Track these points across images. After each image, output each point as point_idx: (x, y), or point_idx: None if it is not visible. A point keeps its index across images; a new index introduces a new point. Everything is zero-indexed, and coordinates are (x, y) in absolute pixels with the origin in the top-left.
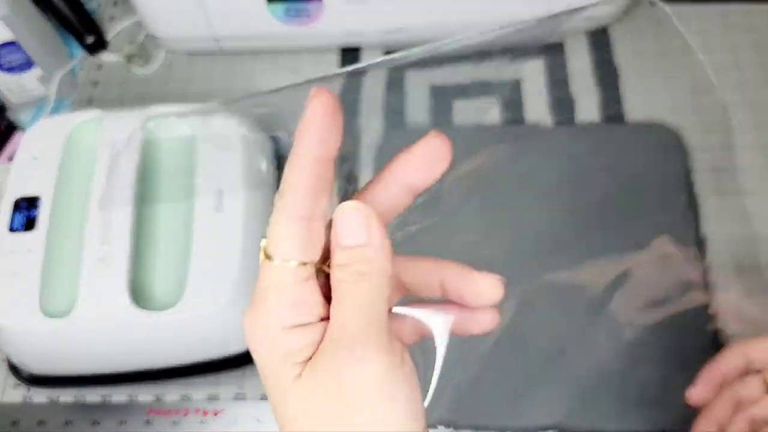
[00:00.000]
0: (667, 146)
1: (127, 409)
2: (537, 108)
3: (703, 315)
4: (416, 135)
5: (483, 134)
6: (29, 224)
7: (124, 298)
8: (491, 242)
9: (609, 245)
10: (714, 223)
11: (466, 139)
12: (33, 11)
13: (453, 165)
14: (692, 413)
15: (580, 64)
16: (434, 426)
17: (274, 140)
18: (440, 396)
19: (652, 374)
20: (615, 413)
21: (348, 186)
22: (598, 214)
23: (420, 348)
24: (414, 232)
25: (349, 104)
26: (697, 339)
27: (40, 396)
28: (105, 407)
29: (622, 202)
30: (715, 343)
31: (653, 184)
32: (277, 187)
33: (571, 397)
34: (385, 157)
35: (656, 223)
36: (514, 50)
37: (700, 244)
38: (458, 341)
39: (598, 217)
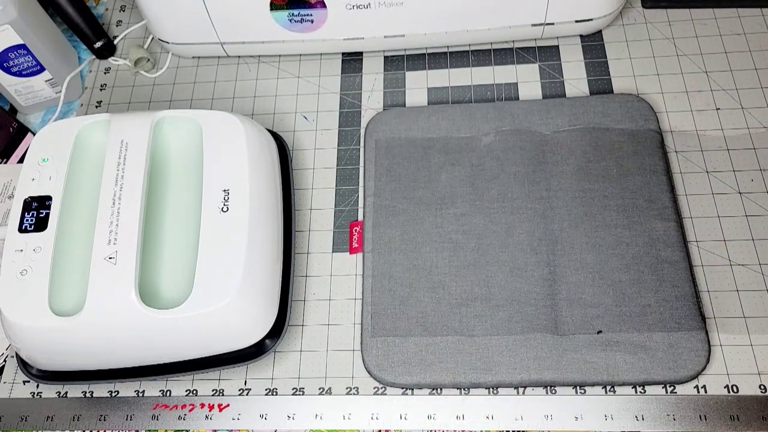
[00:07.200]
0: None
1: (134, 403)
2: None
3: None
4: (414, 139)
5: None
6: (39, 224)
7: (132, 296)
8: (476, 212)
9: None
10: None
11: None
12: (42, 16)
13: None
14: None
15: (574, 66)
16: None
17: (279, 140)
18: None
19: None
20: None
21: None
22: (579, 181)
23: None
24: (413, 209)
25: (350, 104)
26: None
27: (49, 391)
28: (112, 402)
29: (600, 168)
30: None
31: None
32: (282, 186)
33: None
34: (384, 156)
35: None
36: (510, 54)
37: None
38: None
39: (579, 183)
